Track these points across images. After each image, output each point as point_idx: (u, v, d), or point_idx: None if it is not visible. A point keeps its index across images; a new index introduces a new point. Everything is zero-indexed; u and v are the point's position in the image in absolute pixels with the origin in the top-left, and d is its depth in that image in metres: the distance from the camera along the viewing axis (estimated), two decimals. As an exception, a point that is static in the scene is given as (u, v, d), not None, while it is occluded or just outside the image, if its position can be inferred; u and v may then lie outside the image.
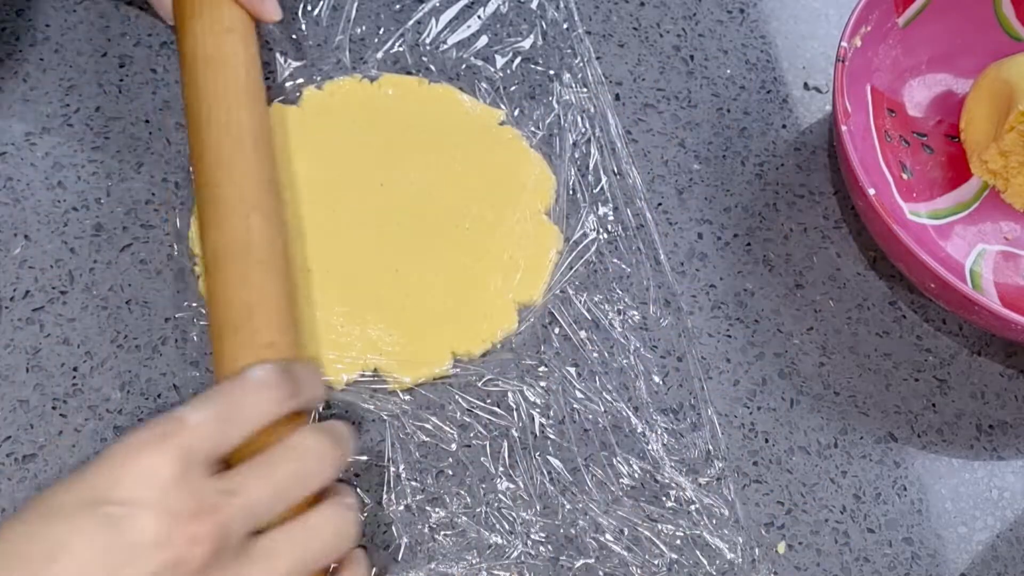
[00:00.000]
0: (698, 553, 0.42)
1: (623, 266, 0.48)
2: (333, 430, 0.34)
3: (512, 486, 0.42)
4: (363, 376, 0.43)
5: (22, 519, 0.30)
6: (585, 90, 0.52)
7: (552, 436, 0.43)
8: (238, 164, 0.39)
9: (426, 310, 0.44)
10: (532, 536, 0.41)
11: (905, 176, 0.51)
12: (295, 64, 0.50)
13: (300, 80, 0.49)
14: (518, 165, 0.49)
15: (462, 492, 0.42)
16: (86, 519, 0.29)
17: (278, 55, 0.50)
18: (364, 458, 0.42)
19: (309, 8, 0.52)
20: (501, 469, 0.42)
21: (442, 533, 0.41)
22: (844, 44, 0.47)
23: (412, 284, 0.45)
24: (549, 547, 0.41)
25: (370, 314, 0.44)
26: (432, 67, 0.51)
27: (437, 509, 0.41)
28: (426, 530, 0.41)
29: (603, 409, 0.44)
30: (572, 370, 0.45)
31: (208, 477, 0.31)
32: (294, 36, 0.51)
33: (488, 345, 0.44)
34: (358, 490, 0.41)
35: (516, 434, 0.43)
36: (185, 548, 0.29)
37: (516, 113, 0.51)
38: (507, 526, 0.41)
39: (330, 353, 0.43)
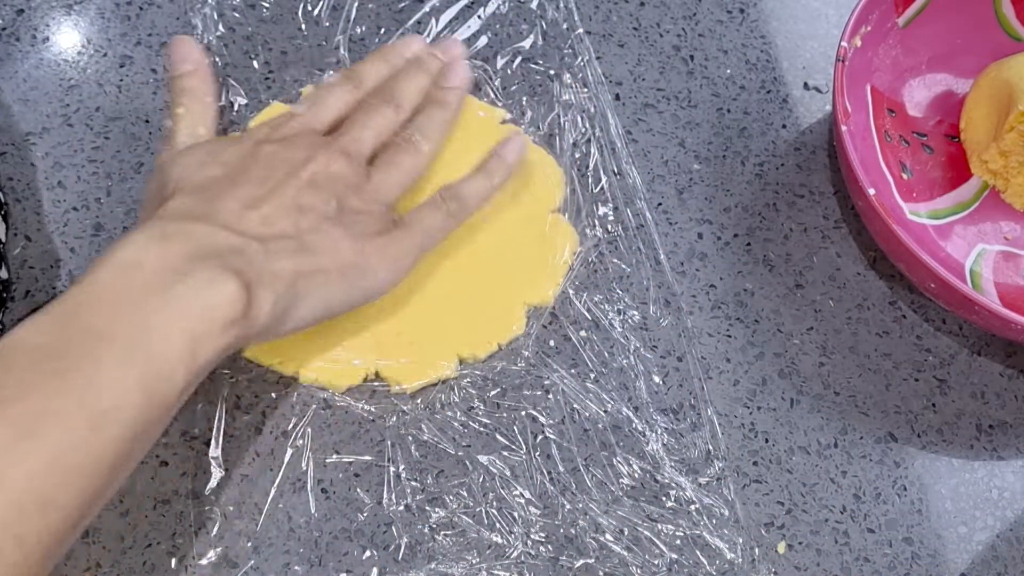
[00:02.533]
0: (698, 553, 0.42)
1: (623, 266, 0.48)
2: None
3: (512, 486, 0.42)
4: (366, 382, 0.43)
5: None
6: (585, 90, 0.52)
7: (552, 436, 0.43)
8: None
9: (431, 313, 0.44)
10: (532, 536, 0.41)
11: (905, 176, 0.52)
12: (295, 64, 0.50)
13: (300, 80, 0.49)
14: (527, 163, 0.49)
15: (462, 492, 0.42)
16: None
17: (278, 54, 0.50)
18: (364, 458, 0.42)
19: (309, 8, 0.52)
20: (501, 469, 0.42)
21: (442, 533, 0.41)
22: (844, 44, 0.47)
23: (415, 286, 0.45)
24: (549, 547, 0.41)
25: (371, 316, 0.44)
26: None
27: (437, 509, 0.41)
28: (426, 530, 0.41)
29: (603, 409, 0.44)
30: (572, 370, 0.45)
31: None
32: (293, 36, 0.51)
33: (495, 348, 0.44)
34: (358, 490, 0.41)
35: (516, 434, 0.43)
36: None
37: (516, 113, 0.51)
38: (507, 526, 0.41)
39: (331, 357, 0.43)
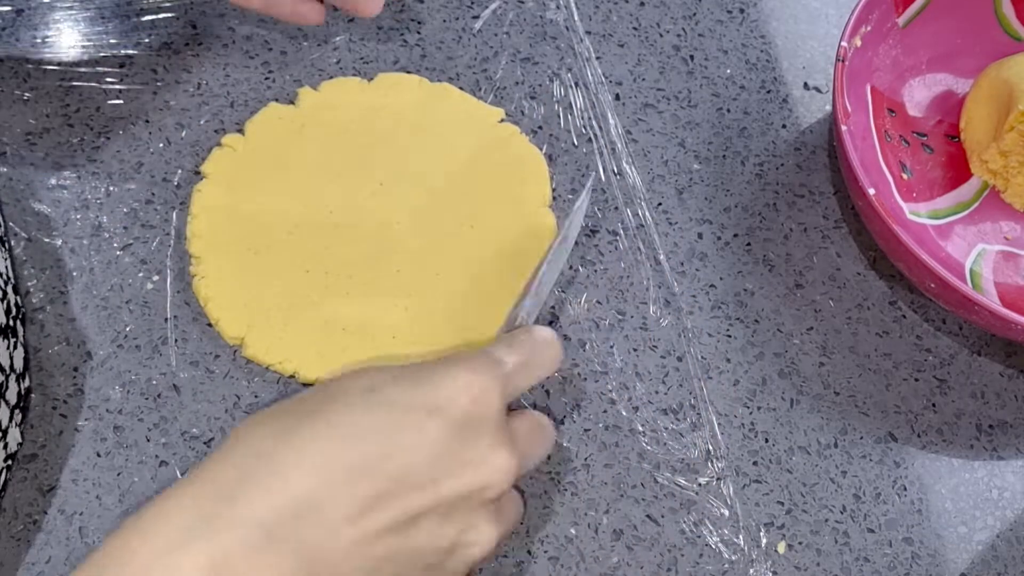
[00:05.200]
0: (698, 553, 0.42)
1: (623, 266, 0.48)
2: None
3: (512, 486, 0.42)
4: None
5: (347, 403, 0.32)
6: (585, 90, 0.52)
7: (552, 436, 0.43)
8: None
9: (431, 311, 0.44)
10: (532, 536, 0.41)
11: (905, 176, 0.52)
12: (294, 64, 0.50)
13: (300, 80, 0.49)
14: (519, 160, 0.49)
15: (462, 492, 0.42)
16: (422, 416, 0.32)
17: (278, 54, 0.50)
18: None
19: (309, 8, 0.52)
20: (501, 469, 0.42)
21: (442, 533, 0.41)
22: (844, 44, 0.47)
23: (415, 284, 0.45)
24: (549, 547, 0.41)
25: (372, 316, 0.44)
26: (432, 67, 0.51)
27: (437, 509, 0.41)
28: (426, 530, 0.41)
29: (603, 409, 0.44)
30: (572, 370, 0.45)
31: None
32: (294, 36, 0.51)
33: None
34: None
35: (516, 434, 0.43)
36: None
37: (516, 113, 0.51)
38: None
39: (331, 357, 0.43)
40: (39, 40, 0.49)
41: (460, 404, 0.32)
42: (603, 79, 0.52)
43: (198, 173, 0.46)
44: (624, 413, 0.44)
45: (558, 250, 0.42)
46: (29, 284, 0.43)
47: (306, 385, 0.43)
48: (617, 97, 0.52)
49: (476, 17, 0.53)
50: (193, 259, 0.44)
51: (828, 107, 0.54)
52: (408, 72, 0.51)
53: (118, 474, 0.40)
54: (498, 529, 0.33)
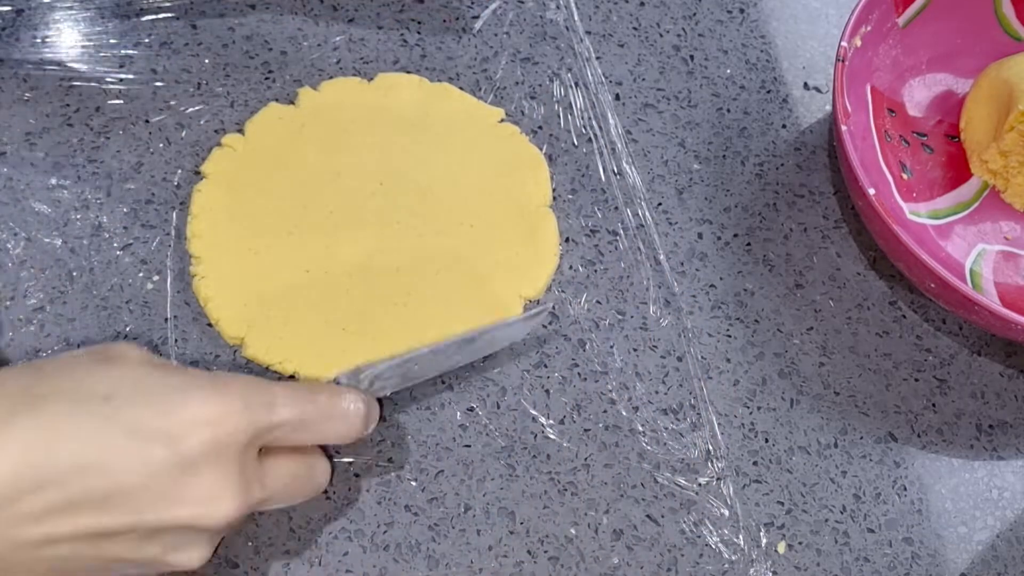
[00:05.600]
0: (698, 553, 0.42)
1: (623, 266, 0.48)
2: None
3: (512, 486, 0.42)
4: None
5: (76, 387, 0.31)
6: (585, 90, 0.52)
7: (552, 436, 0.43)
8: None
9: (430, 310, 0.44)
10: (532, 536, 0.41)
11: (905, 176, 0.52)
12: (294, 64, 0.50)
13: (300, 80, 0.49)
14: (519, 160, 0.49)
15: (462, 492, 0.42)
16: (128, 437, 0.30)
17: (278, 54, 0.50)
18: (364, 458, 0.42)
19: (309, 8, 0.52)
20: (501, 469, 0.42)
21: (442, 533, 0.41)
22: (844, 44, 0.47)
23: (415, 284, 0.45)
24: (549, 547, 0.41)
25: (372, 315, 0.44)
26: (432, 67, 0.51)
27: (437, 509, 0.41)
28: (426, 530, 0.41)
29: (603, 409, 0.44)
30: (572, 370, 0.45)
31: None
32: (293, 36, 0.51)
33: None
34: (358, 490, 0.41)
35: (516, 434, 0.43)
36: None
37: (516, 113, 0.51)
38: (507, 526, 0.41)
39: (331, 357, 0.43)
40: (39, 40, 0.49)
41: (196, 438, 0.30)
42: (603, 79, 0.52)
43: (198, 173, 0.46)
44: (624, 413, 0.44)
45: (457, 346, 0.39)
46: (29, 284, 0.43)
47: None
48: (617, 97, 0.52)
49: (476, 17, 0.53)
50: (193, 259, 0.44)
51: (828, 107, 0.54)
52: (408, 72, 0.51)
53: (118, 474, 0.40)
54: (211, 548, 0.32)
